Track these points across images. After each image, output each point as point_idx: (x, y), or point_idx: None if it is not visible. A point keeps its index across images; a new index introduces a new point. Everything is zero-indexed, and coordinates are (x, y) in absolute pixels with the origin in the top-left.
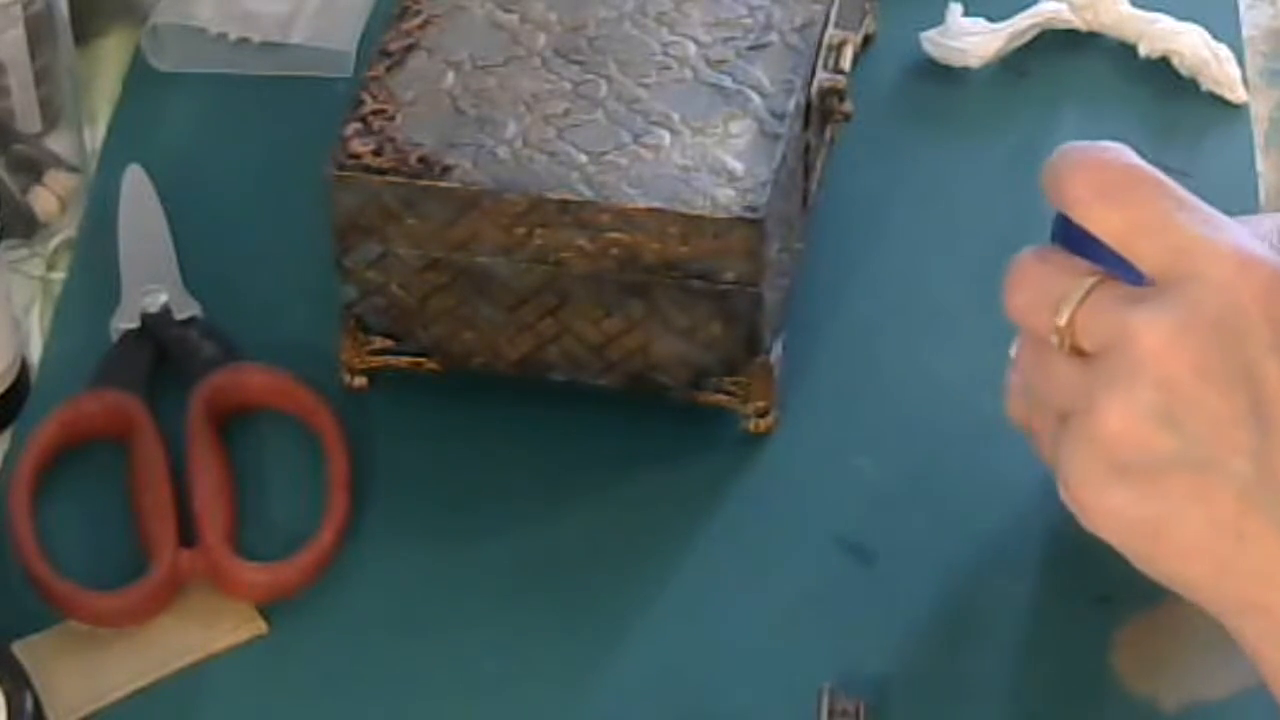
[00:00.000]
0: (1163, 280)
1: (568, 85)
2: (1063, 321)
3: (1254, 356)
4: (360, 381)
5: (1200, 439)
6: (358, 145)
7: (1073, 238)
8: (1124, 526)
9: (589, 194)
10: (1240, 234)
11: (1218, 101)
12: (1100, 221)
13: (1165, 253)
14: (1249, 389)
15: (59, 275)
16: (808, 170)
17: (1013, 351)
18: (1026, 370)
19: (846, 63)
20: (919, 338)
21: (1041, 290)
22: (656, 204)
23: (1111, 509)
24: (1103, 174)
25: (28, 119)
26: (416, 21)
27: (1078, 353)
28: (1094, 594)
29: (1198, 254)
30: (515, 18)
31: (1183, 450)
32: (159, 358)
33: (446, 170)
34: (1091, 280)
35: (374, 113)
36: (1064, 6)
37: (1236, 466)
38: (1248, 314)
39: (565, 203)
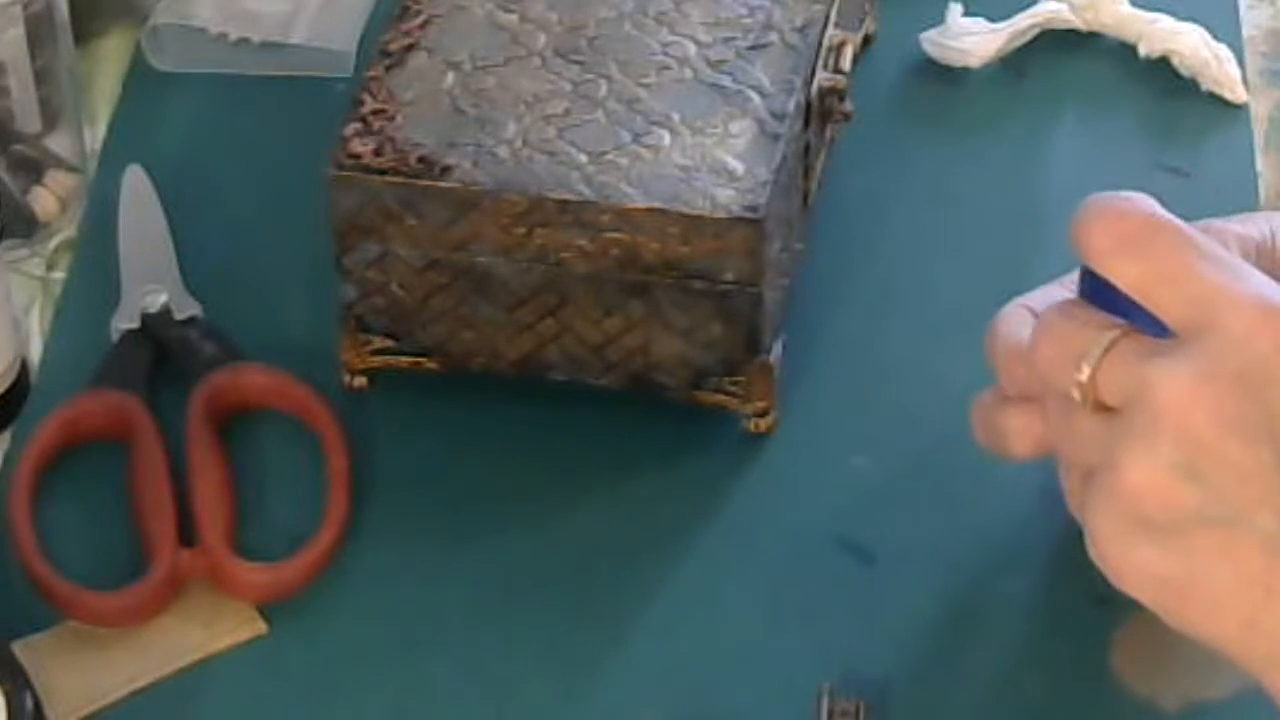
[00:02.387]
0: (1184, 332)
1: (568, 85)
2: (1084, 377)
3: (1277, 407)
4: (360, 381)
5: (1224, 493)
6: (358, 145)
7: (1099, 291)
8: (1151, 583)
9: (589, 194)
10: (1263, 283)
11: (1218, 101)
12: (1121, 272)
13: (1186, 303)
14: (1272, 440)
15: (59, 275)
16: (808, 170)
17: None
18: (1052, 427)
19: (846, 63)
20: (919, 337)
21: (1064, 345)
22: (656, 204)
23: (1137, 566)
24: (1123, 224)
25: (28, 119)
26: (416, 21)
27: (1101, 408)
28: (1094, 594)
29: (1218, 304)
30: (515, 18)
31: (1206, 505)
32: (159, 358)
33: (446, 170)
34: (1113, 334)
35: (374, 113)
36: (1064, 6)
37: (1262, 520)
38: (1269, 364)
39: (565, 203)
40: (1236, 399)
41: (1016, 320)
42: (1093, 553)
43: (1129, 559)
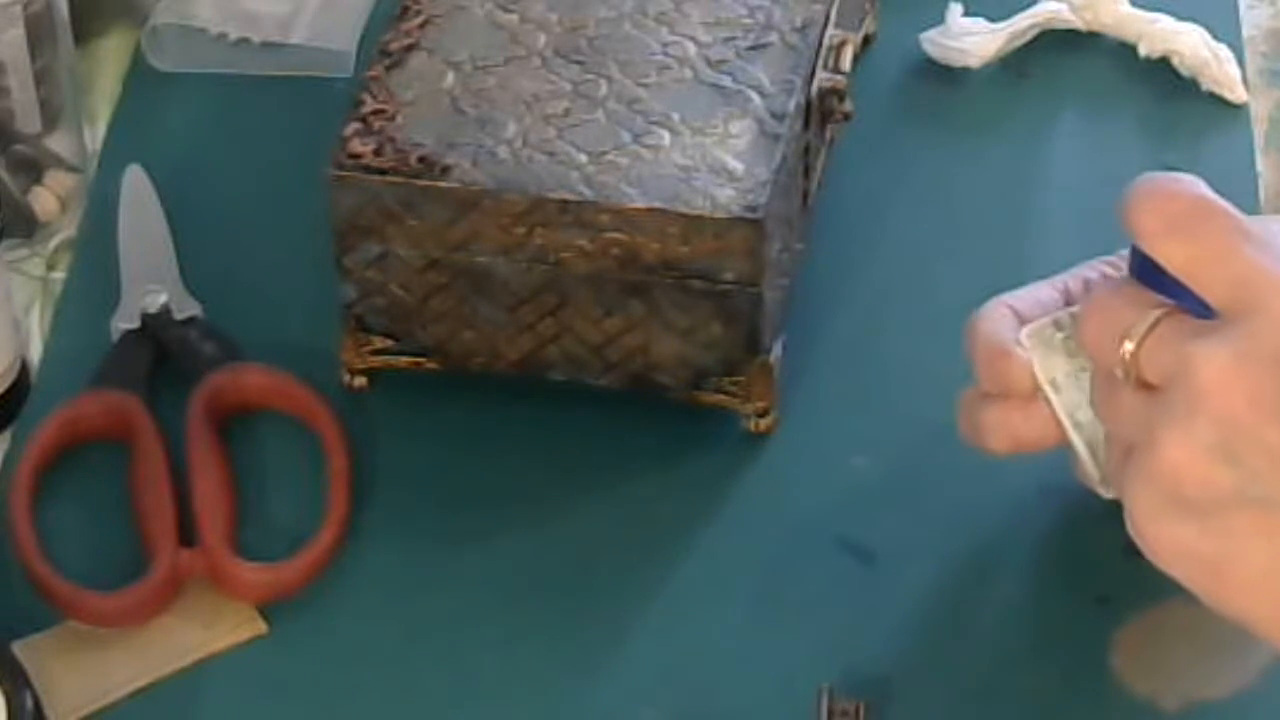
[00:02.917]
0: (1227, 313)
1: (568, 85)
2: (1127, 353)
3: None
4: (360, 381)
5: (1259, 475)
6: (358, 145)
7: (1147, 270)
8: (1186, 561)
9: (589, 194)
10: None
11: (1218, 101)
12: (1167, 253)
13: (1229, 285)
14: None
15: (59, 275)
16: (808, 170)
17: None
18: (1097, 402)
19: (846, 63)
20: (919, 338)
21: (1110, 322)
22: (656, 204)
23: (1173, 543)
24: (1171, 205)
25: (28, 119)
26: (416, 21)
27: (1144, 385)
28: (1094, 594)
29: (1262, 287)
30: (515, 18)
31: (1243, 486)
32: (159, 358)
33: (446, 170)
34: (1158, 313)
35: (374, 113)
36: (1064, 6)
37: None
38: None
39: (565, 203)
40: (1275, 382)
41: (996, 317)
42: (1130, 528)
43: (1165, 535)
